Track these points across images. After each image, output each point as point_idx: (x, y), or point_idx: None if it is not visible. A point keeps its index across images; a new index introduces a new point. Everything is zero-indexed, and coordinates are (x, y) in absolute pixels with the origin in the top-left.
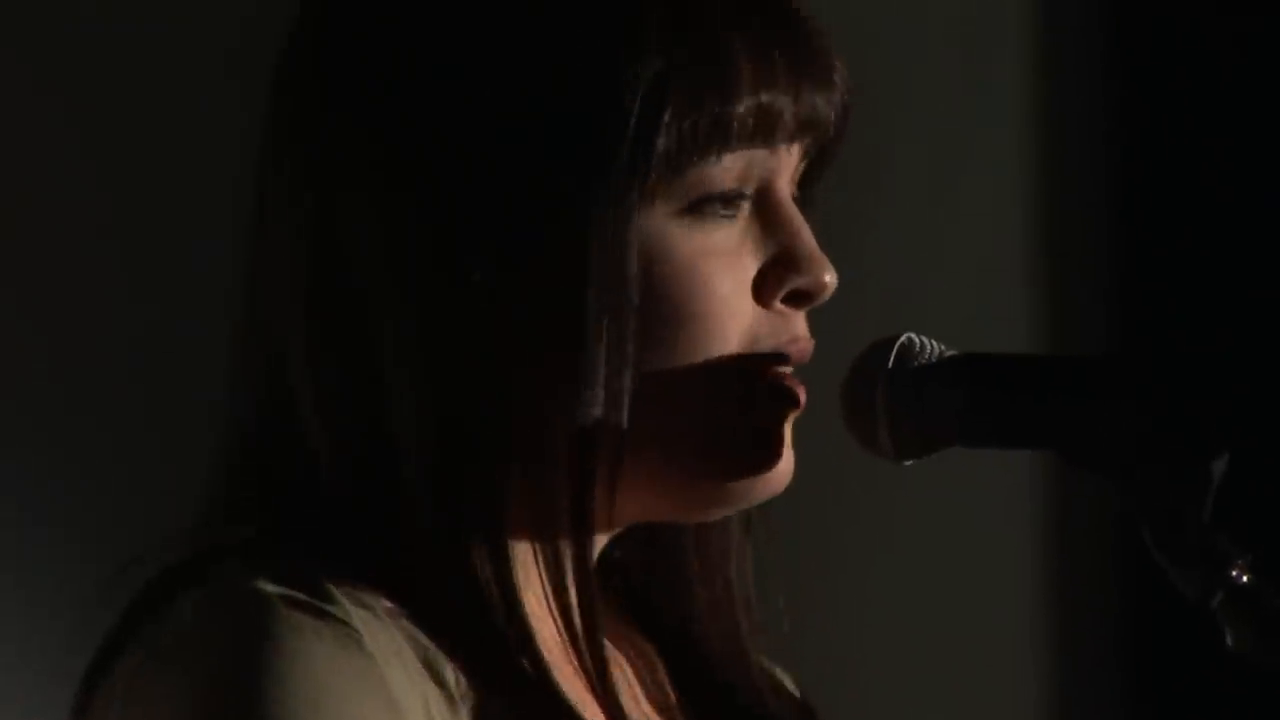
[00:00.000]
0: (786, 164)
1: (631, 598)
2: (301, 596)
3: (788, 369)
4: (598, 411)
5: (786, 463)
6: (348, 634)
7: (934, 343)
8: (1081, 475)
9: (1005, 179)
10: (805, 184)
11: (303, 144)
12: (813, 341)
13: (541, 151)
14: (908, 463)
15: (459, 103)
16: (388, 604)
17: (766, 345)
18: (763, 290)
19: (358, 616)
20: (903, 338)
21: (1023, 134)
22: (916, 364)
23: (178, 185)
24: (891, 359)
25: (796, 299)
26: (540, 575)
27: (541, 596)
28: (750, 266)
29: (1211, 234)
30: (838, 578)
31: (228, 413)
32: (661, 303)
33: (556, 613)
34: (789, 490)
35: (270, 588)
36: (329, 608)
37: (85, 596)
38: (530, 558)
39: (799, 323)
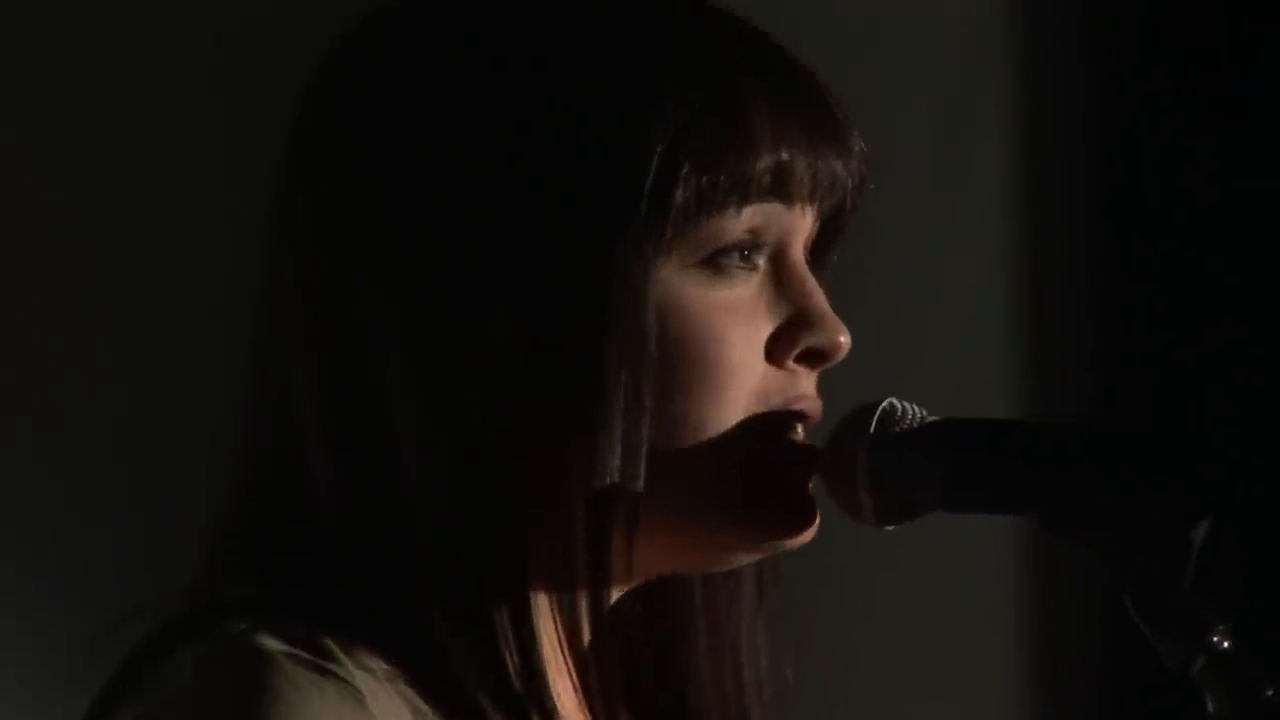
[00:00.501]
0: (801, 226)
1: (629, 673)
2: (303, 654)
3: (800, 426)
4: (615, 463)
5: (814, 517)
6: (349, 692)
7: (916, 408)
8: (1063, 542)
9: (988, 245)
10: (818, 250)
11: (314, 200)
12: (820, 402)
13: (560, 203)
14: (889, 528)
15: (475, 154)
16: (385, 666)
17: (776, 402)
18: (776, 349)
19: (359, 677)
20: (885, 403)
21: (1006, 199)
22: (898, 429)
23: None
24: (874, 424)
25: (810, 358)
26: (556, 629)
27: (555, 650)
28: (765, 325)
29: (1197, 303)
30: (824, 639)
31: (231, 469)
32: (676, 355)
33: (571, 666)
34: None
35: (272, 644)
36: (331, 665)
37: (83, 642)
38: (545, 611)
39: (809, 382)
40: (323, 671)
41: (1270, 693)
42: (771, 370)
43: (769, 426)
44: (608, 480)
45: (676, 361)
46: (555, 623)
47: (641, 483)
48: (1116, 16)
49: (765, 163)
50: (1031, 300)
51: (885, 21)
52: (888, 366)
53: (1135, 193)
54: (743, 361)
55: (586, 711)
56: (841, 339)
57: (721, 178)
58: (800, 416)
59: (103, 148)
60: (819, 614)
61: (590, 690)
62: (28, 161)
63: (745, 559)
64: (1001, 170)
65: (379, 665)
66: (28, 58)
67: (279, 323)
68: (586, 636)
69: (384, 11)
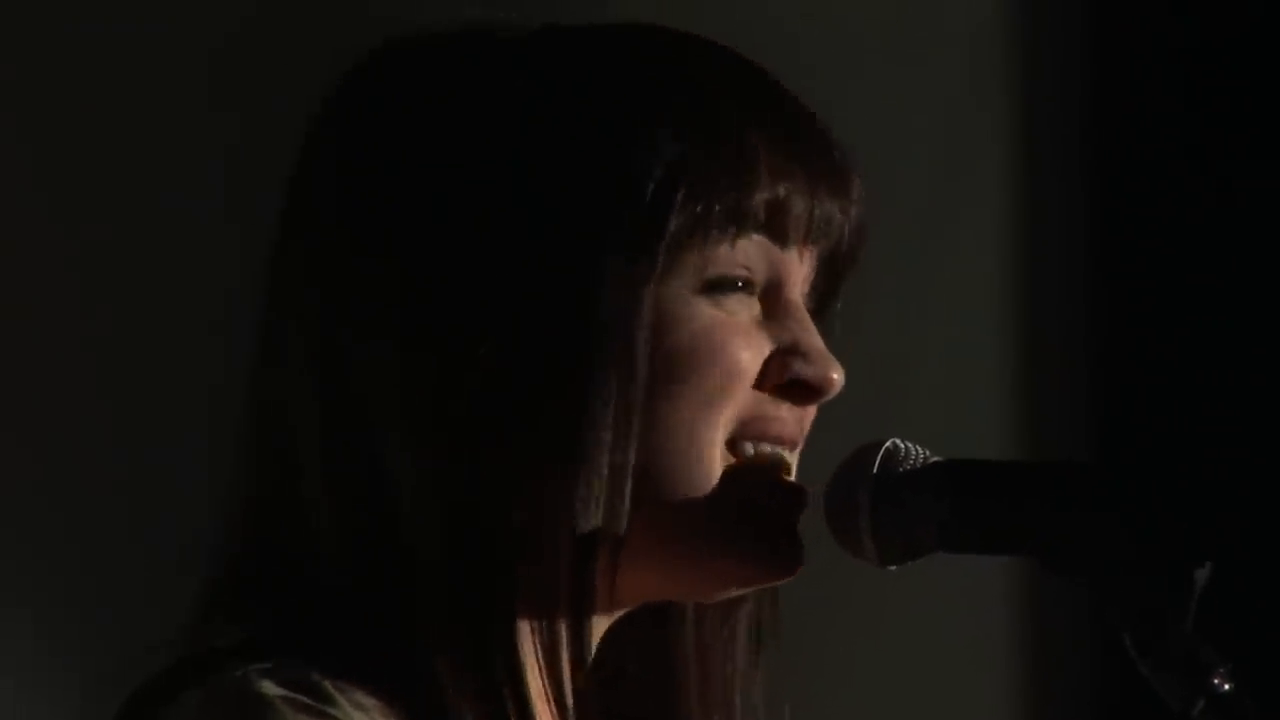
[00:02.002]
0: (797, 269)
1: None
2: (303, 698)
3: (788, 463)
4: (600, 492)
5: (800, 555)
6: None
7: (919, 448)
8: (1061, 582)
9: (983, 274)
10: (821, 302)
11: (310, 236)
12: (800, 429)
13: (554, 230)
14: (891, 568)
15: (467, 185)
16: (380, 704)
17: (751, 425)
18: (767, 374)
19: (356, 718)
20: (888, 443)
21: (1001, 226)
22: (901, 470)
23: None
24: (877, 465)
25: (800, 390)
26: (537, 658)
27: (537, 679)
28: (765, 345)
29: (1195, 330)
30: (820, 680)
31: (228, 509)
32: (673, 367)
33: (551, 696)
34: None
35: (270, 688)
36: (329, 709)
37: (85, 688)
38: (529, 640)
39: (788, 413)
40: (322, 715)
41: None
42: (755, 394)
43: (757, 467)
44: (593, 502)
45: (673, 371)
46: (537, 652)
47: (626, 509)
48: (1114, 34)
49: (761, 197)
50: (1027, 330)
51: (881, 44)
52: (882, 398)
53: (1132, 219)
54: (743, 371)
55: None
56: (834, 375)
57: (716, 207)
58: (778, 449)
59: (99, 152)
60: (813, 667)
61: None
62: (27, 165)
63: (732, 591)
64: (997, 197)
65: (374, 704)
66: (25, 58)
67: (275, 359)
68: (568, 666)
69: (385, 46)
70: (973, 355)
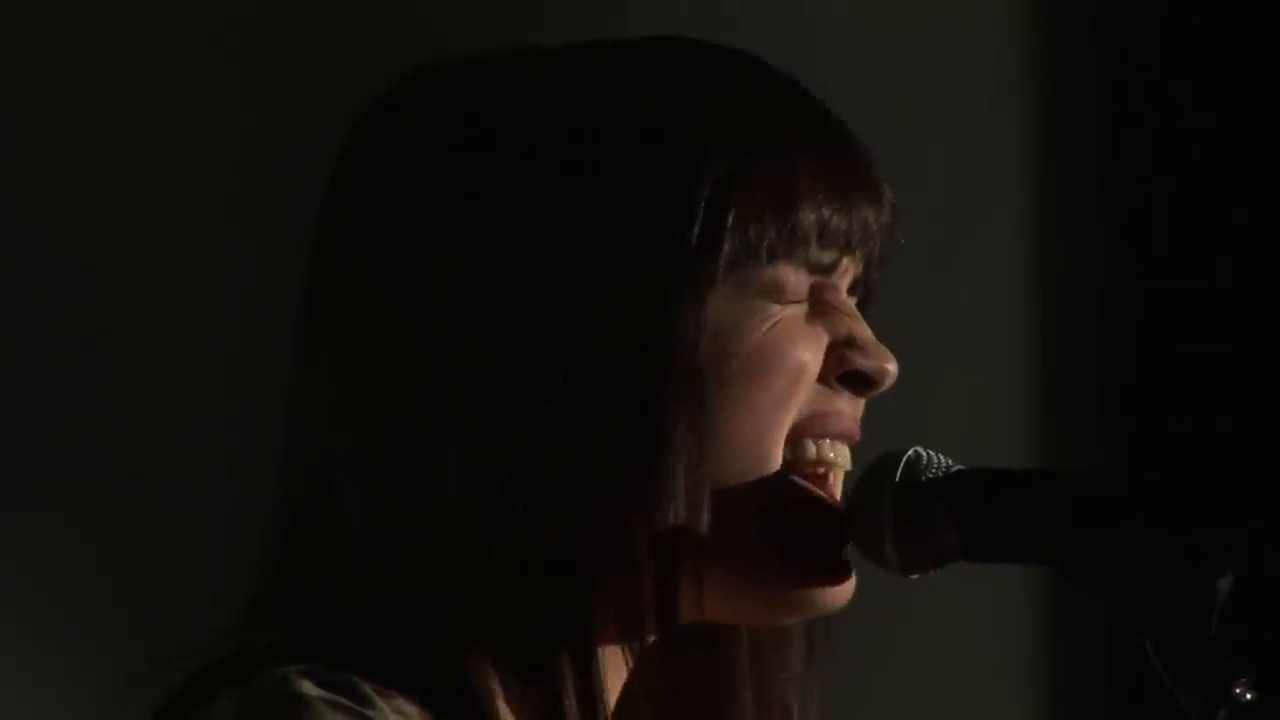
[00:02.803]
0: (839, 275)
1: None
2: (343, 700)
3: (831, 471)
4: (681, 502)
5: (850, 580)
6: None
7: (941, 457)
8: (1085, 591)
9: (1002, 292)
10: (856, 302)
11: (355, 265)
12: (858, 426)
13: (610, 251)
14: (913, 576)
15: (522, 207)
16: (421, 713)
17: (811, 413)
18: (824, 366)
19: None
20: (910, 452)
21: (1020, 248)
22: (924, 479)
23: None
24: (899, 473)
25: (857, 381)
26: (604, 676)
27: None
28: (824, 339)
29: (1210, 346)
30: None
31: (274, 516)
32: (739, 376)
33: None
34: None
35: (311, 689)
36: (369, 712)
37: (116, 687)
38: (602, 656)
39: (851, 406)
40: (361, 717)
41: None
42: (815, 388)
43: (805, 480)
44: (671, 520)
45: (739, 380)
46: (603, 670)
47: (707, 519)
48: (1131, 39)
49: (808, 213)
50: (1046, 337)
51: (899, 51)
52: (902, 405)
53: (1151, 224)
54: (808, 367)
55: None
56: (890, 366)
57: (767, 226)
58: (835, 426)
59: (107, 153)
60: (857, 675)
61: None
62: (28, 167)
63: (786, 616)
64: (1015, 202)
65: (414, 710)
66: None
67: (321, 381)
68: (622, 683)
69: (418, 70)
70: (992, 362)
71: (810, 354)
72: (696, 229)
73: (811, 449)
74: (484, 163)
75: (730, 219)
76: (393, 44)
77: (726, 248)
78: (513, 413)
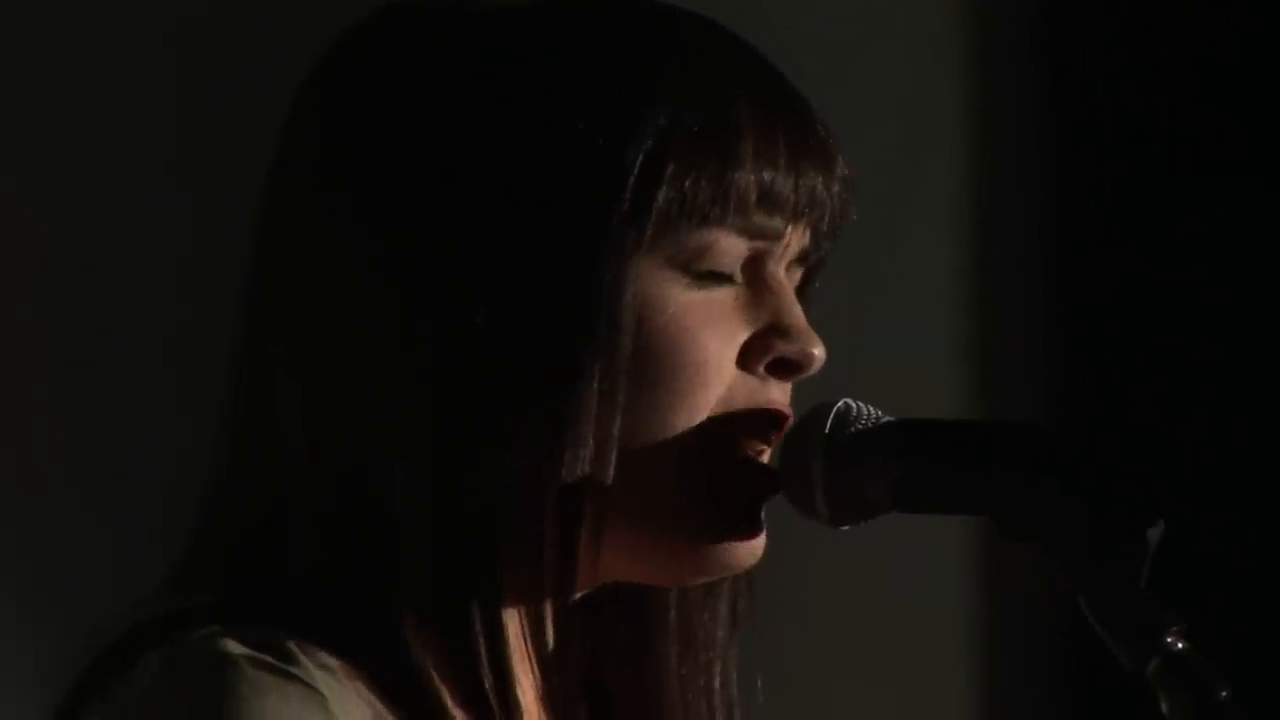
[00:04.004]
0: (780, 244)
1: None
2: (266, 658)
3: (765, 449)
4: (586, 458)
5: (760, 539)
6: (312, 694)
7: (871, 408)
8: (1017, 542)
9: (940, 247)
10: (802, 280)
11: (297, 210)
12: (791, 411)
13: (542, 203)
14: (844, 528)
15: (456, 156)
16: (347, 667)
17: (741, 406)
18: (749, 355)
19: (321, 679)
20: (839, 404)
21: (958, 212)
22: (853, 430)
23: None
24: (829, 425)
25: (783, 368)
26: (521, 628)
27: (520, 648)
28: (740, 330)
29: (1145, 308)
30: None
31: (207, 474)
32: (651, 350)
33: (535, 667)
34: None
35: (235, 647)
36: (293, 669)
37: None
38: (511, 609)
39: (780, 392)
40: (286, 675)
41: (1224, 694)
42: (741, 375)
43: (730, 439)
44: (578, 475)
45: (650, 357)
46: (520, 622)
47: (610, 478)
48: (1071, 24)
49: (746, 175)
50: (982, 302)
51: (840, 32)
52: (839, 366)
53: (1088, 190)
54: (716, 362)
55: (547, 712)
56: (815, 351)
57: (704, 183)
58: (765, 419)
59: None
60: (788, 631)
61: (553, 691)
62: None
63: (698, 578)
64: (954, 169)
65: (340, 666)
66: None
67: (259, 332)
68: (551, 636)
69: (362, 25)
70: (929, 323)
71: (717, 346)
72: (632, 180)
73: (744, 443)
74: (420, 113)
75: (667, 173)
76: None
77: (660, 202)
78: (442, 356)
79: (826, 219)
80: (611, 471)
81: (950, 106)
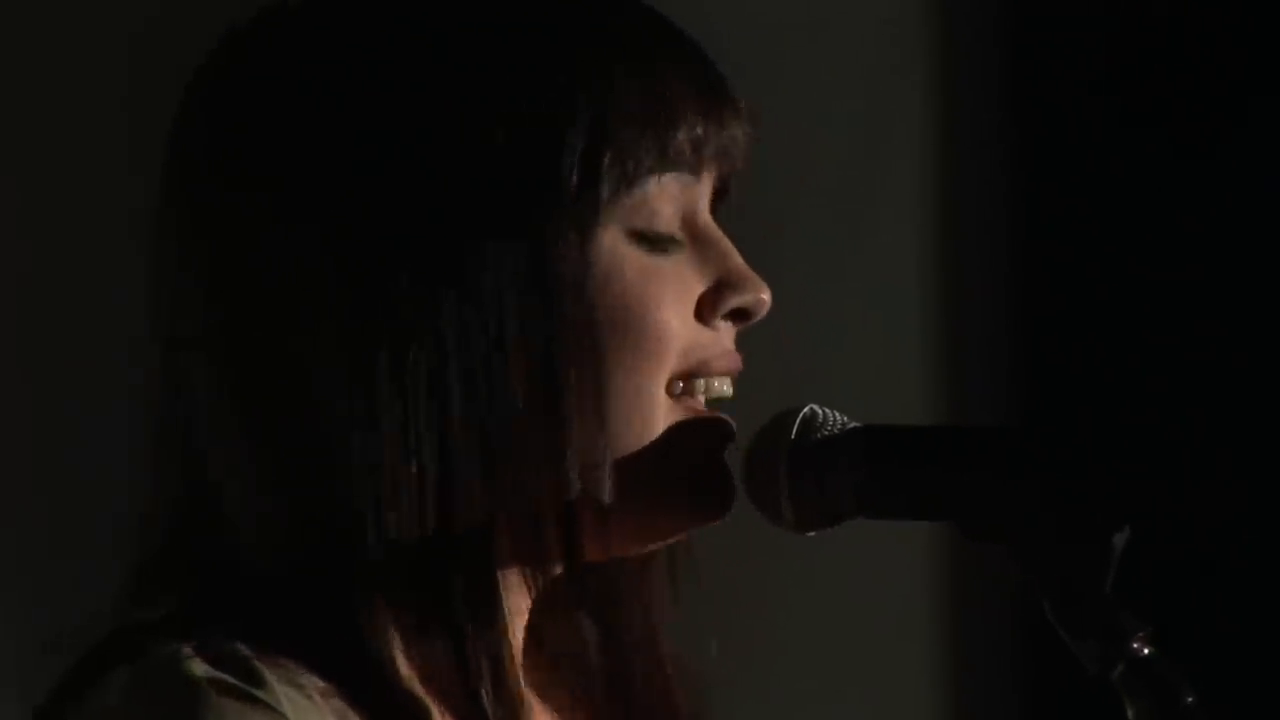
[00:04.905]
0: (704, 192)
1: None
2: (230, 680)
3: (728, 390)
4: (579, 446)
5: (729, 490)
6: (275, 719)
7: (837, 414)
8: (982, 547)
9: (905, 247)
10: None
11: (218, 209)
12: (740, 356)
13: (493, 182)
14: (810, 534)
15: (395, 139)
16: (320, 683)
17: (698, 357)
18: (704, 310)
19: (287, 699)
20: (805, 410)
21: (923, 211)
22: (819, 436)
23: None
24: (794, 431)
25: (739, 316)
26: (513, 622)
27: (515, 645)
28: (695, 288)
29: (1111, 308)
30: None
31: (161, 483)
32: (615, 319)
33: (531, 658)
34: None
35: (199, 670)
36: (258, 692)
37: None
38: (506, 608)
39: (730, 338)
40: (249, 699)
41: (1190, 699)
42: (697, 328)
43: (690, 396)
44: (574, 466)
45: (612, 324)
46: (510, 613)
47: (609, 466)
48: (1035, 22)
49: (683, 132)
50: (948, 303)
51: (806, 27)
52: (805, 369)
53: (1053, 187)
54: (677, 327)
55: (545, 702)
56: (764, 296)
57: (645, 147)
58: (725, 360)
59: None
60: (748, 604)
61: (543, 689)
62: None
63: (669, 539)
64: (918, 164)
65: (313, 682)
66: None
67: (189, 328)
68: (545, 624)
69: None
70: (895, 324)
71: (676, 308)
72: (575, 160)
73: (702, 385)
74: (352, 93)
75: (610, 148)
76: None
77: (606, 175)
78: (394, 361)
79: (741, 161)
80: (608, 454)
81: (917, 105)
